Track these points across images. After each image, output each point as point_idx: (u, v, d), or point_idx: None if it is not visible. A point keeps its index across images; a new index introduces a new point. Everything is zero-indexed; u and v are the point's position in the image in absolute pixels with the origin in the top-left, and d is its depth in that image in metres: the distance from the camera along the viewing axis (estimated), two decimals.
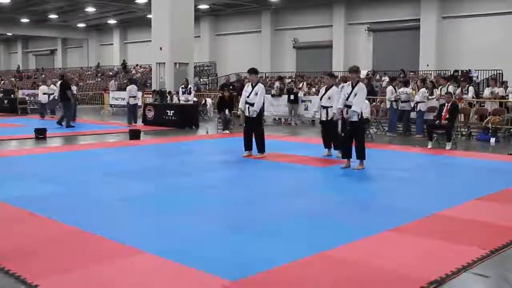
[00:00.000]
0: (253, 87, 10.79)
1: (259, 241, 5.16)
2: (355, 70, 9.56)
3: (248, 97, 10.75)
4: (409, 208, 6.57)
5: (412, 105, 15.55)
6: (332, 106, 10.48)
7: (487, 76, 24.00)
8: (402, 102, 15.72)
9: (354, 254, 4.81)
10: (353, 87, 9.31)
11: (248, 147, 10.90)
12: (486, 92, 16.21)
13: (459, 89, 16.06)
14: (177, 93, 20.83)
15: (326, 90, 10.90)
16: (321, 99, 10.95)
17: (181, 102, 19.72)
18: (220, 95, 17.64)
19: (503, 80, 19.65)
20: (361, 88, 9.33)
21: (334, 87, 10.92)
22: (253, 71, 10.98)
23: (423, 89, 15.57)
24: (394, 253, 4.86)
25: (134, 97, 18.82)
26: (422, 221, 5.93)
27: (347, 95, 9.35)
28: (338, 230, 5.59)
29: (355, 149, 9.43)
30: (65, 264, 4.49)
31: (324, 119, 10.90)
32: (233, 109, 16.98)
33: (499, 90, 15.96)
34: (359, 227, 5.68)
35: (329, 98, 10.67)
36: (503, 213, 6.43)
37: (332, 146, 11.01)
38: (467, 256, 4.68)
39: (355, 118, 9.28)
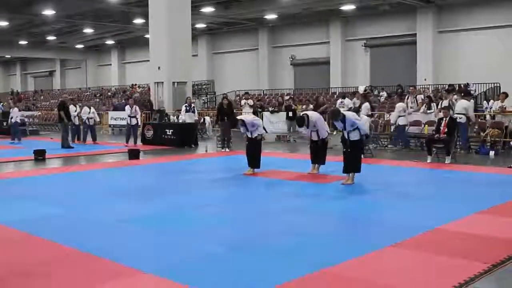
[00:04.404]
0: (244, 126, 11.04)
1: (260, 260, 5.12)
2: (337, 113, 9.62)
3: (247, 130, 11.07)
4: (410, 223, 6.55)
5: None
6: (322, 129, 10.69)
7: (484, 90, 24.09)
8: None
9: (356, 270, 4.78)
10: (343, 122, 9.40)
11: (251, 164, 11.00)
12: (495, 106, 16.22)
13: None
14: (179, 111, 20.85)
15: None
16: (307, 128, 10.85)
17: (186, 120, 19.67)
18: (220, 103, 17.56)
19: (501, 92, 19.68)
20: (351, 117, 9.50)
21: (313, 115, 10.92)
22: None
23: (398, 104, 15.88)
24: (396, 268, 4.84)
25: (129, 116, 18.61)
26: (423, 236, 5.90)
27: (342, 128, 9.51)
28: (339, 247, 5.56)
29: (350, 162, 9.45)
30: (65, 286, 4.46)
31: (315, 139, 10.84)
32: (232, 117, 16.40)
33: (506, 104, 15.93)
34: (360, 243, 5.65)
35: (314, 126, 10.62)
36: (504, 227, 6.41)
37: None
38: (469, 271, 4.65)
39: (356, 137, 9.37)
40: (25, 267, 4.96)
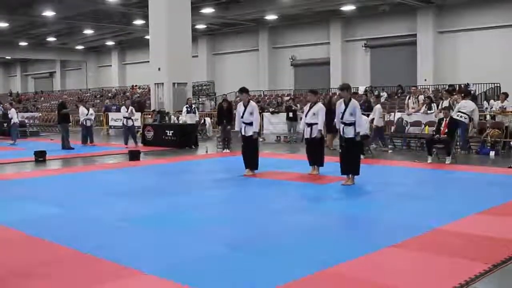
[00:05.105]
0: (245, 106, 10.85)
1: (260, 260, 5.12)
2: (346, 87, 9.51)
3: (242, 117, 10.84)
4: (410, 223, 6.54)
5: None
6: (317, 123, 10.48)
7: (484, 90, 24.08)
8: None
9: (356, 271, 4.78)
10: (346, 105, 9.32)
11: (248, 165, 10.91)
12: (496, 106, 16.22)
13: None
14: (179, 112, 20.88)
15: (311, 107, 10.72)
16: (306, 116, 10.74)
17: (187, 122, 19.67)
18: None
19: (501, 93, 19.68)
20: (356, 105, 9.37)
21: (319, 103, 10.91)
22: (243, 90, 11.02)
23: (378, 106, 15.94)
24: (396, 269, 4.83)
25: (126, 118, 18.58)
26: (423, 236, 5.90)
27: (341, 114, 9.36)
28: (339, 247, 5.56)
29: (349, 163, 9.40)
30: (65, 287, 4.45)
31: (307, 137, 10.71)
32: (232, 121, 16.62)
33: (507, 104, 15.94)
34: (360, 243, 5.65)
35: (314, 114, 10.55)
36: (505, 227, 6.40)
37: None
38: (470, 271, 4.64)
39: (351, 135, 9.30)
40: (25, 268, 4.96)
